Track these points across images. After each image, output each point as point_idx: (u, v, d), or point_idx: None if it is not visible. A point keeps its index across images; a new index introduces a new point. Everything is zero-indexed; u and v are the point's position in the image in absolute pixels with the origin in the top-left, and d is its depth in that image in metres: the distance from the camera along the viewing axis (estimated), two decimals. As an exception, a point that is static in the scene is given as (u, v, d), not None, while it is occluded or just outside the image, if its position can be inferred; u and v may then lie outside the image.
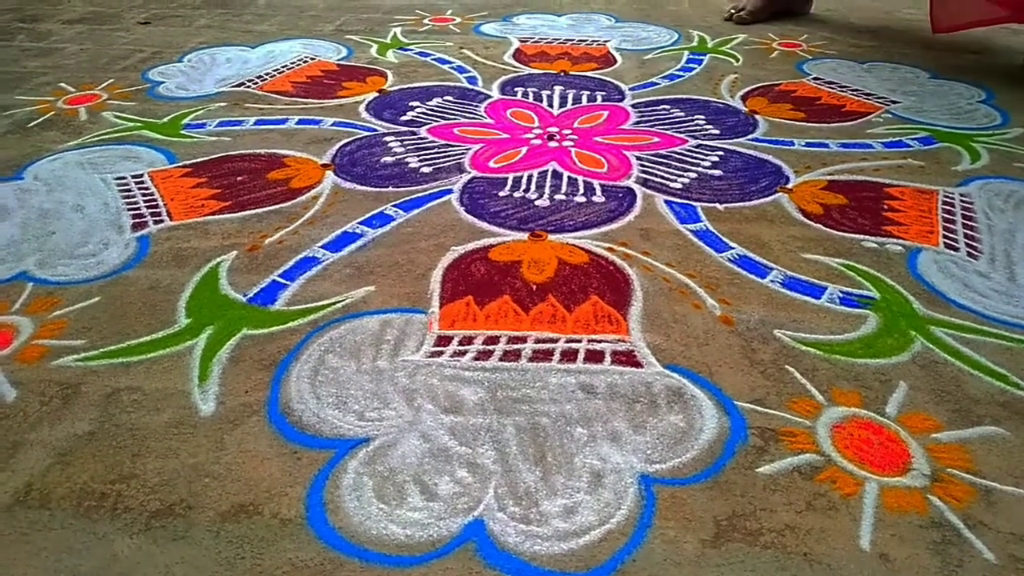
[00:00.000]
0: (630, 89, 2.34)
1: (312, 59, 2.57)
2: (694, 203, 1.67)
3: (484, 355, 1.20)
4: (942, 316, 1.30)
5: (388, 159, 1.86)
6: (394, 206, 1.64)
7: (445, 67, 2.53)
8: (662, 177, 1.78)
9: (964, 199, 1.69)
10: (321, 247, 1.49)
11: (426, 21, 3.06)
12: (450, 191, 1.71)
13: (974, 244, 1.52)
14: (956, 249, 1.50)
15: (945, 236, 1.55)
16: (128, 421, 1.07)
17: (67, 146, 1.91)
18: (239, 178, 1.76)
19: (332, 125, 2.05)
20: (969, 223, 1.59)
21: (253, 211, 1.62)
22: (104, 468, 1.00)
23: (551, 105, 2.20)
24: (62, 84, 2.32)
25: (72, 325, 1.27)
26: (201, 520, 0.93)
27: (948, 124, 2.09)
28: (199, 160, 1.84)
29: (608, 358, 1.19)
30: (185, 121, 2.06)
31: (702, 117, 2.13)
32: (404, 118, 2.10)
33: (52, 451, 1.02)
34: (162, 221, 1.58)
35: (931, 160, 1.88)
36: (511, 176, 1.77)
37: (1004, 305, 1.34)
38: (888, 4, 3.43)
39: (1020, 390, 1.14)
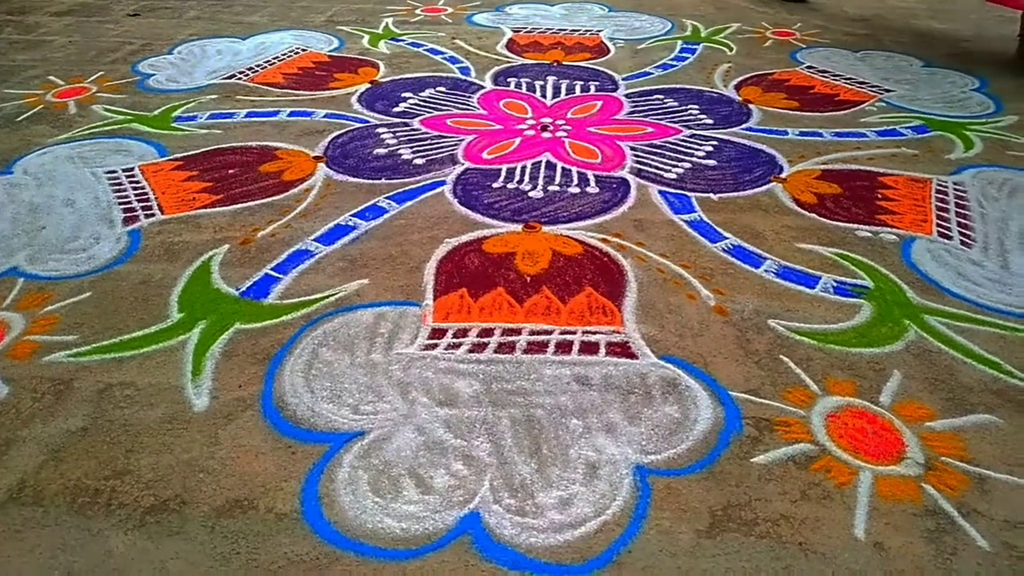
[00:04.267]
0: (623, 79, 2.33)
1: (303, 50, 2.55)
2: (688, 193, 1.66)
3: (478, 347, 1.19)
4: (936, 305, 1.31)
5: (381, 151, 1.85)
6: (387, 198, 1.64)
7: (437, 58, 2.51)
8: (656, 167, 1.78)
9: (957, 187, 1.69)
10: (314, 240, 1.48)
11: (418, 11, 3.04)
12: (443, 183, 1.70)
13: (967, 232, 1.52)
14: (950, 238, 1.50)
15: (939, 225, 1.55)
16: (121, 417, 1.07)
17: (57, 140, 1.90)
18: (231, 171, 1.74)
19: (324, 117, 2.04)
20: (962, 211, 1.60)
21: (245, 204, 1.61)
22: (98, 464, 0.99)
23: (544, 95, 2.19)
24: (51, 77, 2.30)
25: (64, 320, 1.26)
26: (196, 515, 0.92)
27: (941, 112, 2.09)
28: (190, 153, 1.83)
29: (603, 349, 1.19)
30: (176, 114, 2.04)
31: (696, 107, 2.12)
32: (396, 109, 2.09)
33: (45, 448, 1.02)
34: (153, 215, 1.57)
35: (924, 149, 1.88)
36: (504, 167, 1.77)
37: (997, 293, 1.34)
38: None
39: (1013, 378, 1.14)
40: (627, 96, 2.19)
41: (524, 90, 2.23)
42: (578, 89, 2.24)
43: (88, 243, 1.47)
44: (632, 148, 1.87)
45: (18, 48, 2.56)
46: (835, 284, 1.35)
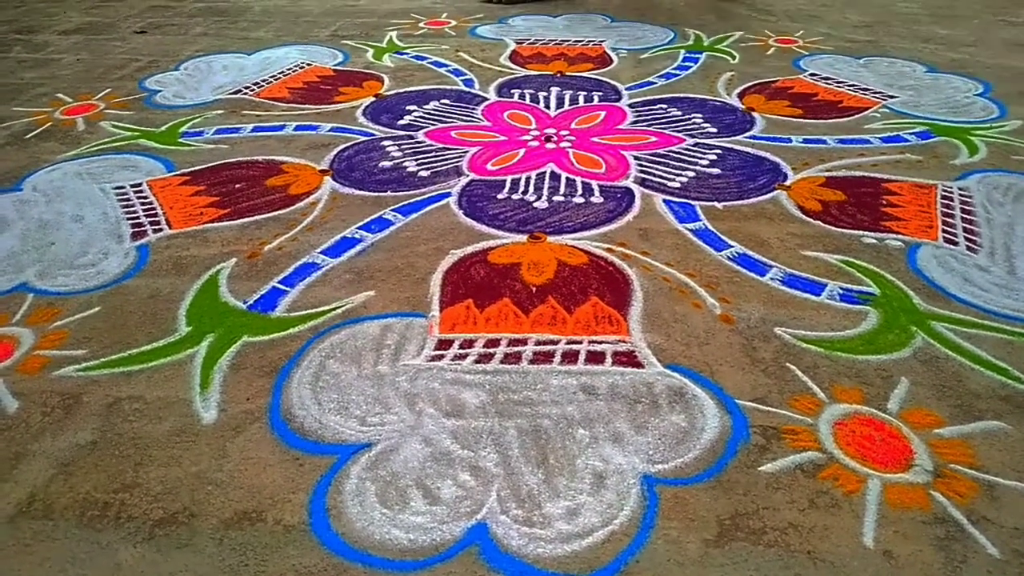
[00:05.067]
0: (627, 89, 2.34)
1: (308, 65, 2.58)
2: (693, 202, 1.67)
3: (485, 358, 1.19)
4: (943, 311, 1.30)
5: (386, 163, 1.86)
6: (393, 210, 1.64)
7: (441, 70, 2.53)
8: (660, 176, 1.78)
9: (963, 193, 1.69)
10: (320, 253, 1.49)
11: (422, 25, 3.06)
12: (448, 194, 1.71)
13: (973, 238, 1.52)
14: (956, 243, 1.50)
15: (944, 230, 1.54)
16: (130, 430, 1.07)
17: (65, 156, 1.92)
18: (237, 185, 1.76)
19: (330, 130, 2.05)
20: (968, 217, 1.59)
21: (252, 218, 1.62)
22: (107, 477, 1.00)
23: (548, 106, 2.20)
24: (59, 95, 2.32)
25: (73, 335, 1.27)
26: (204, 528, 0.93)
27: (946, 118, 2.09)
28: (197, 168, 1.84)
29: (609, 359, 1.19)
30: (183, 129, 2.06)
31: (699, 115, 2.13)
32: (401, 122, 2.10)
33: (54, 461, 1.03)
34: (161, 230, 1.58)
35: (929, 154, 1.88)
36: (509, 178, 1.77)
37: (1004, 299, 1.33)
38: (884, -1, 3.43)
39: (1021, 384, 1.14)
40: (630, 106, 2.20)
41: (528, 101, 2.24)
42: (582, 100, 2.25)
43: (97, 258, 1.48)
44: (636, 158, 1.88)
45: (27, 66, 2.59)
46: (841, 291, 1.35)
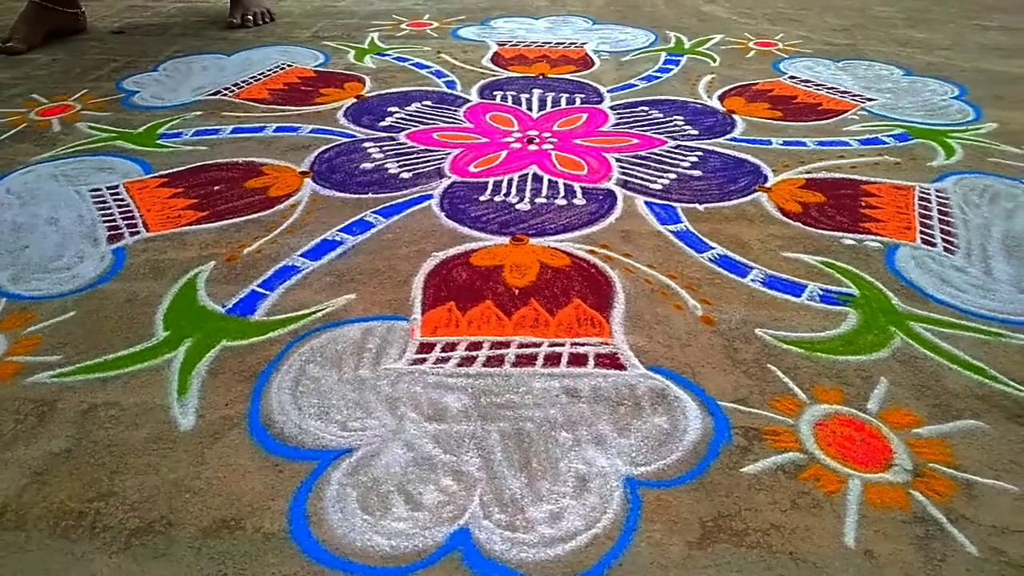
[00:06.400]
0: (608, 91, 2.34)
1: (289, 66, 2.56)
2: (674, 204, 1.67)
3: (467, 361, 1.19)
4: (921, 311, 1.32)
5: (367, 165, 1.85)
6: (374, 212, 1.63)
7: (423, 72, 2.52)
8: (642, 178, 1.79)
9: (940, 195, 1.71)
10: (300, 255, 1.47)
11: (403, 26, 3.05)
12: (430, 196, 1.70)
13: (951, 239, 1.54)
14: (933, 244, 1.52)
15: (922, 232, 1.56)
16: (106, 437, 1.05)
17: (40, 158, 1.88)
18: (216, 187, 1.74)
19: (310, 132, 2.03)
20: (945, 218, 1.61)
21: (231, 220, 1.60)
22: (82, 486, 0.98)
23: (530, 108, 2.20)
24: (34, 95, 2.28)
25: (47, 341, 1.24)
26: (182, 537, 0.91)
27: (923, 120, 2.12)
28: (175, 170, 1.82)
29: (591, 361, 1.19)
30: (161, 131, 2.04)
31: (680, 118, 2.14)
32: (383, 124, 2.09)
33: (27, 470, 1.00)
34: (138, 232, 1.56)
35: (907, 156, 1.90)
36: (491, 180, 1.77)
37: (981, 299, 1.35)
38: (861, 2, 3.47)
39: (998, 383, 1.15)
40: (612, 108, 2.21)
41: (510, 103, 2.24)
42: (564, 102, 2.25)
43: (72, 262, 1.46)
44: (618, 160, 1.88)
45: (0, 67, 2.55)
46: (821, 292, 1.36)
